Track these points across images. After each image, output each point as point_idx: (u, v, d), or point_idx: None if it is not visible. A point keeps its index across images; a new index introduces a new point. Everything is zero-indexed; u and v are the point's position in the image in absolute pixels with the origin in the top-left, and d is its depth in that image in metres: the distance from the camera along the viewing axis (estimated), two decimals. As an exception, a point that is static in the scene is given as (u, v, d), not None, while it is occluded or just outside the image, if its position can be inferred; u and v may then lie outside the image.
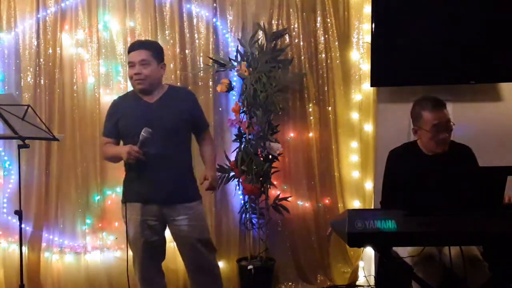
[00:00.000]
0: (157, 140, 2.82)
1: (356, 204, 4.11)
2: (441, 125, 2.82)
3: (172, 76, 4.07)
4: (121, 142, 3.02)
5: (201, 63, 4.08)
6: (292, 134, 4.14)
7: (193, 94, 3.20)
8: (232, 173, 3.91)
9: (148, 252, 2.95)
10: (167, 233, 3.06)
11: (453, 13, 3.61)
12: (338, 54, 4.06)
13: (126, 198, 2.92)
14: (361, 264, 4.06)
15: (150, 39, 3.92)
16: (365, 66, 4.00)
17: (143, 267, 2.96)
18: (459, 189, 2.34)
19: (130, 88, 4.05)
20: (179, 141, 2.92)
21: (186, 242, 2.97)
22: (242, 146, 3.89)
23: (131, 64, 2.92)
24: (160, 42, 4.03)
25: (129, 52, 2.98)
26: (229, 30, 4.10)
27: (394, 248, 2.80)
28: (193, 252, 2.98)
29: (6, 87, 4.07)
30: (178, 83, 4.03)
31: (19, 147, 3.24)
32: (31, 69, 4.05)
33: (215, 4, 4.07)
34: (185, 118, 2.95)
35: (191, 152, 3.08)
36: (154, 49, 2.96)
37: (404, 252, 2.76)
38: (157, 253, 3.02)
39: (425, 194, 2.66)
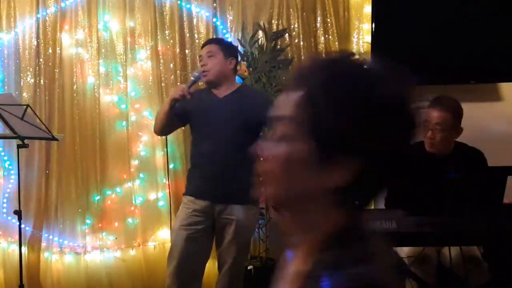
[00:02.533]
0: (217, 137, 2.82)
1: (356, 204, 4.10)
2: (428, 124, 2.83)
3: (172, 76, 4.07)
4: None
5: (201, 63, 4.08)
6: (292, 134, 4.12)
7: (266, 96, 3.15)
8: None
9: (189, 246, 2.87)
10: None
11: (453, 13, 3.61)
12: (338, 54, 4.05)
13: (185, 191, 2.98)
14: (361, 264, 4.05)
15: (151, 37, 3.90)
16: (365, 66, 3.99)
17: (180, 261, 2.87)
18: (460, 189, 2.34)
19: (130, 88, 4.08)
20: (240, 140, 2.80)
21: (228, 243, 2.91)
22: (242, 146, 3.88)
23: (200, 59, 2.95)
24: (160, 42, 4.05)
25: (201, 48, 3.01)
26: (229, 30, 4.09)
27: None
28: (233, 254, 2.91)
29: (5, 87, 4.06)
30: (178, 83, 4.03)
31: (19, 147, 3.24)
32: (30, 69, 4.04)
33: (215, 4, 4.07)
34: (250, 119, 2.81)
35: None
36: (222, 44, 2.99)
37: (401, 252, 2.75)
38: (198, 250, 2.92)
39: (427, 194, 2.67)
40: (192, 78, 2.83)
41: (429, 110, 2.83)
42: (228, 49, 2.96)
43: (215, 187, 2.85)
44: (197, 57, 4.03)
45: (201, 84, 2.96)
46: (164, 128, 2.96)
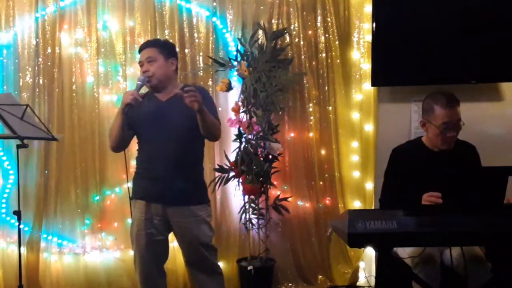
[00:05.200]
0: (166, 139, 2.81)
1: (356, 204, 4.09)
2: (451, 124, 2.80)
3: (172, 75, 4.06)
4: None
5: (201, 63, 4.07)
6: (292, 134, 4.12)
7: (205, 90, 3.10)
8: (232, 173, 3.89)
9: (151, 250, 2.92)
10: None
11: (454, 12, 3.60)
12: (338, 54, 4.05)
13: (133, 195, 2.95)
14: (361, 264, 4.05)
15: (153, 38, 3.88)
16: (366, 66, 3.99)
17: (144, 266, 2.93)
18: (460, 189, 2.33)
19: (129, 88, 4.07)
20: (188, 141, 2.87)
21: (188, 244, 2.95)
22: (242, 146, 3.87)
23: (140, 64, 2.93)
24: (159, 41, 4.04)
25: (138, 53, 2.98)
26: (229, 29, 4.08)
27: (394, 249, 2.78)
28: (196, 254, 2.95)
29: (4, 87, 4.05)
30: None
31: (18, 147, 3.23)
32: (30, 68, 4.03)
33: (214, 3, 4.06)
34: (195, 116, 2.79)
35: (203, 154, 3.04)
36: (160, 46, 2.95)
37: (403, 253, 2.74)
38: (159, 252, 2.99)
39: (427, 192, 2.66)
40: (138, 82, 2.81)
41: (445, 109, 2.79)
42: (166, 49, 2.94)
43: (165, 190, 2.84)
44: (198, 56, 4.06)
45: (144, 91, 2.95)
46: (120, 142, 2.92)
